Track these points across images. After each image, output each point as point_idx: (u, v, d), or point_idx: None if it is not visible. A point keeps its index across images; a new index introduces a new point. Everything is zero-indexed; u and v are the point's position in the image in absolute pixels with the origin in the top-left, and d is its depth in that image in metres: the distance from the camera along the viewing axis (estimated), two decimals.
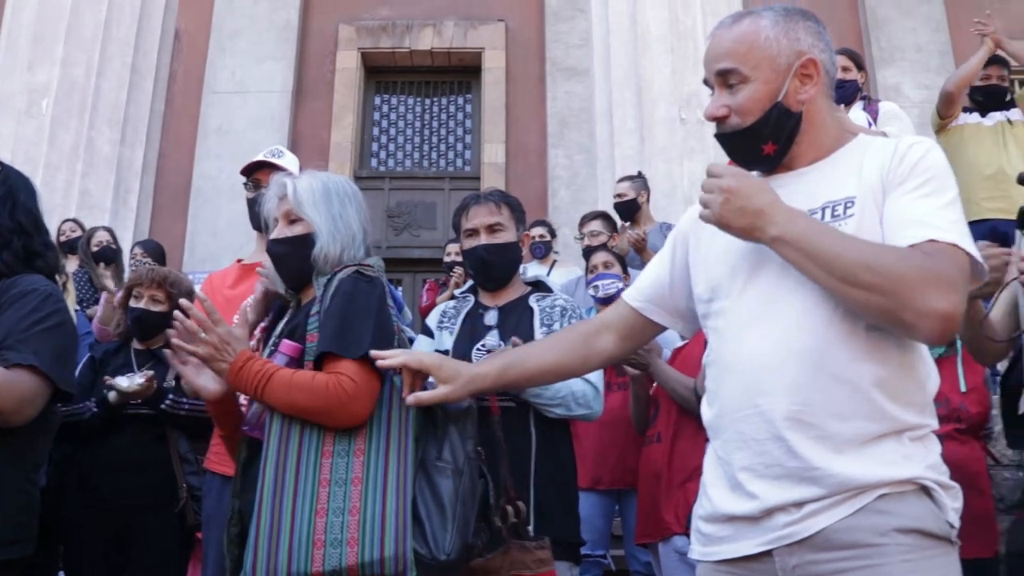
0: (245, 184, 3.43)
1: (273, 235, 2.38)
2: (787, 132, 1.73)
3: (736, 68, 1.72)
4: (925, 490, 1.58)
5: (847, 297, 1.56)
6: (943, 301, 1.48)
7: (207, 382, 2.20)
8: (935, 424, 1.68)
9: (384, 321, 2.21)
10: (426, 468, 2.12)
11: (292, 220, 2.35)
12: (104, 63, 7.88)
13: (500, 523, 2.29)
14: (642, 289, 2.01)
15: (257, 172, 3.37)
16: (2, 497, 2.17)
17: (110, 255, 6.47)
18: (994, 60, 6.11)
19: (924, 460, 1.60)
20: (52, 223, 5.58)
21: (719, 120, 1.75)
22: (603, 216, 5.84)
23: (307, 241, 2.32)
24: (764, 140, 1.72)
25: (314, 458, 2.05)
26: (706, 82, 1.80)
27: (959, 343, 3.53)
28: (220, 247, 9.92)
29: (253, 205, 3.16)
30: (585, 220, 5.89)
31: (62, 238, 6.65)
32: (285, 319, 2.42)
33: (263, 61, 11.43)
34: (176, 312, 2.15)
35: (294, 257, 2.34)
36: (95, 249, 6.44)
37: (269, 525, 1.98)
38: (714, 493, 1.72)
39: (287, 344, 2.19)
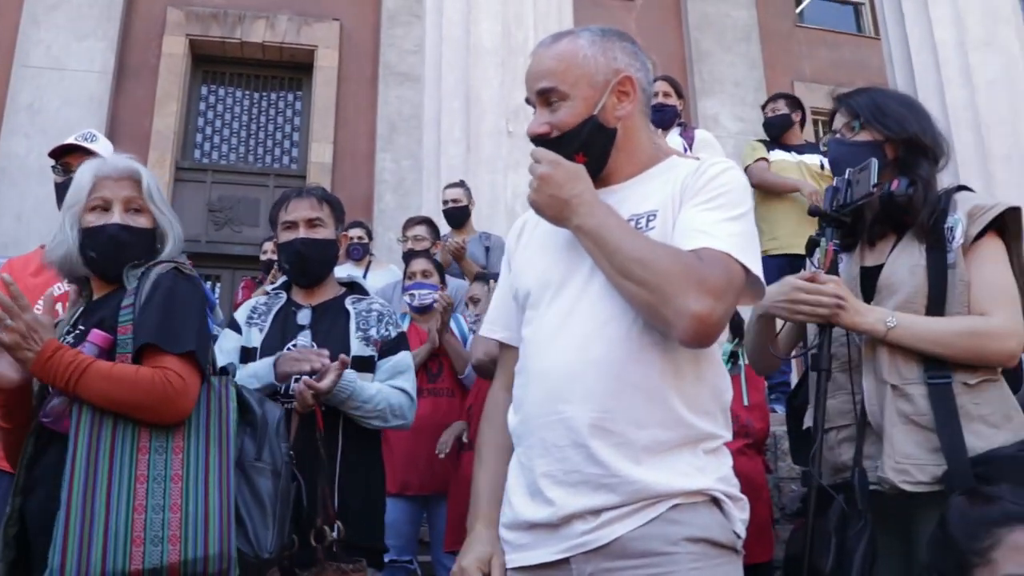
0: (54, 168, 3.30)
1: (117, 219, 2.22)
2: (600, 146, 1.79)
3: (556, 87, 1.77)
4: (715, 501, 1.66)
5: (623, 291, 1.64)
6: (699, 304, 1.54)
7: (5, 370, 2.06)
8: (729, 436, 1.76)
9: (204, 321, 2.18)
10: (244, 468, 2.10)
11: (137, 209, 2.26)
12: None
13: (315, 542, 2.28)
14: (506, 325, 1.98)
15: (67, 156, 3.26)
16: None
17: None
18: (783, 96, 6.64)
19: (716, 472, 1.68)
20: None
21: (541, 137, 1.80)
22: (427, 222, 5.86)
23: (156, 236, 2.26)
24: (575, 150, 1.77)
25: (129, 454, 1.98)
26: (528, 100, 1.86)
27: (743, 362, 3.75)
28: (25, 231, 9.38)
29: (62, 190, 3.01)
30: (410, 224, 5.89)
31: None
32: (80, 309, 2.29)
33: (83, 38, 10.89)
34: None
35: (134, 248, 2.22)
36: None
37: (80, 523, 1.89)
38: (516, 500, 1.74)
39: (98, 334, 2.09)
